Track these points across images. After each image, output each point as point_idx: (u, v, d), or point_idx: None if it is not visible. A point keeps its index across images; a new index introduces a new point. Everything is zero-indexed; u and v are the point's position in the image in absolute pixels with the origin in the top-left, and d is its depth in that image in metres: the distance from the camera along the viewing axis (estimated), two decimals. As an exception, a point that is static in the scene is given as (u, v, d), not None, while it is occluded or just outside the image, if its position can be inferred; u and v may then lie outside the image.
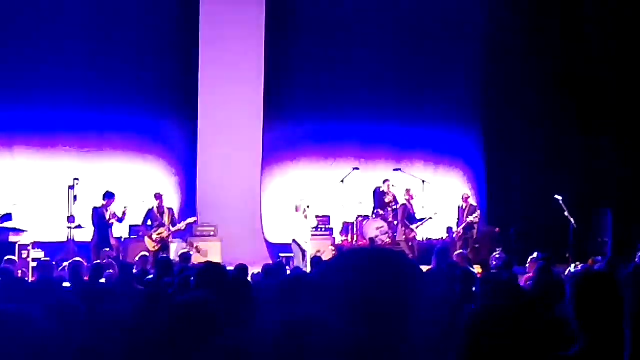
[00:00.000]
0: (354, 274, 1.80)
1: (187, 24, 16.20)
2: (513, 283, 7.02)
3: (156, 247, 13.95)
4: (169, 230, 14.17)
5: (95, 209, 13.85)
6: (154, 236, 14.10)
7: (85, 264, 9.73)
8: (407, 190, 15.38)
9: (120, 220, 13.93)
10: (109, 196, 13.93)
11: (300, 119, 16.95)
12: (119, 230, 14.37)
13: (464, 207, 15.41)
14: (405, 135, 17.47)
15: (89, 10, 15.75)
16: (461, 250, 12.04)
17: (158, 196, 14.47)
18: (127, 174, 15.97)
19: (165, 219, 14.26)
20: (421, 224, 15.24)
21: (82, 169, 15.28)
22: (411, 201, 15.32)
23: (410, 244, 14.95)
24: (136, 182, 15.79)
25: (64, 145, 15.81)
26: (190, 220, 14.57)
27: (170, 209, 14.57)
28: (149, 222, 14.28)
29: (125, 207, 13.94)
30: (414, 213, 15.28)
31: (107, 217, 13.76)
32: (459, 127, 17.77)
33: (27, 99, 15.41)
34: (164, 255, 12.47)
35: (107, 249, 13.01)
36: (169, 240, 14.23)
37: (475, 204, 15.66)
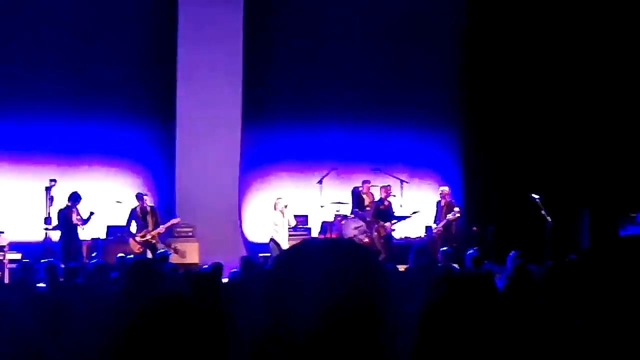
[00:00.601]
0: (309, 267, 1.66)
1: (165, 29, 16.13)
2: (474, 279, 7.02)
3: (141, 250, 13.83)
4: (153, 231, 14.03)
5: (60, 210, 13.70)
6: (138, 239, 13.98)
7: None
8: (385, 188, 15.38)
9: (84, 222, 13.67)
10: (74, 198, 13.76)
11: (279, 122, 16.94)
12: (97, 232, 14.28)
13: (442, 203, 15.38)
14: (384, 137, 17.50)
15: (63, 17, 15.67)
16: (446, 248, 12.07)
17: (140, 197, 14.38)
18: (104, 177, 15.89)
19: (149, 219, 14.14)
20: (397, 222, 15.23)
21: (59, 172, 15.16)
22: (389, 198, 15.33)
23: (382, 241, 14.89)
24: (113, 185, 15.73)
25: (42, 149, 15.66)
26: (173, 221, 14.49)
27: (154, 209, 14.44)
28: (132, 225, 14.15)
29: (91, 213, 13.71)
30: (393, 211, 15.30)
31: (73, 218, 13.60)
32: (437, 127, 17.83)
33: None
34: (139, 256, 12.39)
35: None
36: (155, 241, 14.04)
37: (453, 200, 15.64)
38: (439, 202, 15.48)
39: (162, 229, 14.15)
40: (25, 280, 8.35)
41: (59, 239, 13.63)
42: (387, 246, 14.85)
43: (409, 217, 15.34)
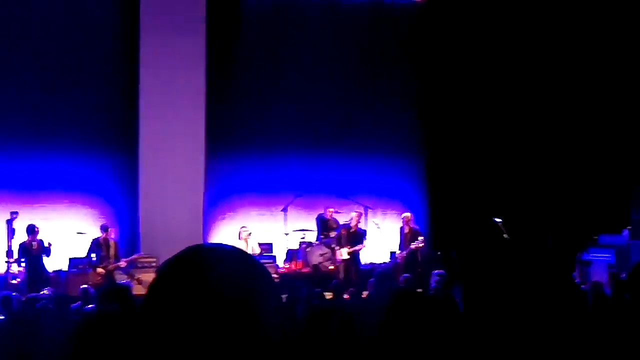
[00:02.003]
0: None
1: (126, 61, 16.15)
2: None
3: (101, 281, 13.79)
4: (114, 263, 14.09)
5: (21, 244, 13.73)
6: (99, 270, 13.98)
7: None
8: (358, 214, 15.44)
9: (46, 252, 13.75)
10: (30, 230, 13.80)
11: (242, 152, 16.95)
12: (59, 264, 14.19)
13: (406, 230, 15.44)
14: (348, 167, 17.54)
15: (24, 53, 15.68)
16: (407, 275, 12.11)
17: (104, 227, 14.43)
18: (66, 211, 15.81)
19: (111, 252, 14.18)
20: (358, 246, 15.19)
21: (21, 207, 15.05)
22: (359, 225, 15.39)
23: (343, 266, 14.88)
24: (76, 219, 15.66)
25: (2, 184, 15.54)
26: (135, 256, 14.64)
27: (116, 243, 14.51)
28: (93, 256, 14.13)
29: (49, 243, 13.77)
30: (365, 237, 15.33)
31: (33, 249, 13.59)
32: (399, 155, 17.87)
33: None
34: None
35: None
36: (115, 273, 14.11)
37: (417, 227, 15.70)
38: (402, 229, 15.55)
39: (123, 262, 14.25)
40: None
41: (24, 271, 13.58)
42: (349, 270, 14.82)
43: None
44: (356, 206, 16.32)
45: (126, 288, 9.49)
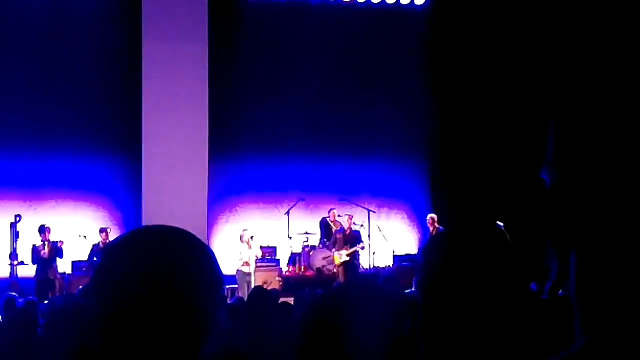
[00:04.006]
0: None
1: (130, 63, 16.19)
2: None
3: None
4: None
5: (33, 246, 13.74)
6: None
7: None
8: (349, 216, 15.39)
9: (59, 253, 13.77)
10: (41, 230, 13.82)
11: (246, 153, 16.97)
12: (62, 266, 14.20)
13: (431, 230, 15.43)
14: (352, 168, 17.54)
15: (28, 51, 15.74)
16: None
17: (103, 231, 14.41)
18: (70, 212, 15.84)
19: None
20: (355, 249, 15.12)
21: (25, 208, 15.11)
22: (354, 227, 15.33)
23: (341, 269, 14.81)
24: (80, 219, 15.68)
25: (7, 185, 15.58)
26: None
27: None
28: (95, 259, 14.13)
29: (60, 241, 13.77)
30: (360, 239, 15.25)
31: (44, 251, 13.59)
32: (404, 157, 17.88)
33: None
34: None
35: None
36: None
37: (442, 228, 15.62)
38: (427, 229, 15.58)
39: None
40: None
41: (35, 274, 13.63)
42: (347, 274, 14.69)
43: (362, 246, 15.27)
44: (358, 209, 16.29)
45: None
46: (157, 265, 1.64)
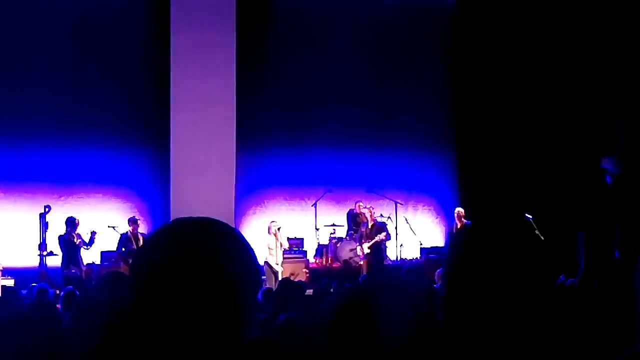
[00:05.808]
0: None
1: (158, 56, 16.25)
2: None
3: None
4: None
5: (60, 237, 13.76)
6: (130, 262, 14.05)
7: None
8: (368, 209, 15.15)
9: (88, 244, 13.84)
10: (70, 222, 13.85)
11: (273, 146, 17.00)
12: (91, 256, 14.31)
13: (458, 225, 15.33)
14: (379, 161, 17.50)
15: (56, 46, 15.82)
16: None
17: (132, 221, 14.43)
18: (99, 205, 15.96)
19: (140, 245, 14.18)
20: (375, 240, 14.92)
21: (54, 200, 15.24)
22: (378, 218, 15.19)
23: (366, 261, 14.61)
24: (108, 212, 15.79)
25: (36, 178, 15.72)
26: None
27: (144, 235, 14.50)
28: (123, 249, 14.21)
29: (93, 232, 13.85)
30: (387, 231, 15.09)
31: (75, 242, 13.68)
32: (431, 150, 17.85)
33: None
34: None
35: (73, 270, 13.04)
36: None
37: (469, 222, 15.50)
38: (455, 225, 15.47)
39: None
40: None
41: (61, 264, 13.66)
42: (372, 266, 14.47)
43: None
44: (384, 201, 16.25)
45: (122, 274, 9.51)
46: (200, 252, 1.66)
